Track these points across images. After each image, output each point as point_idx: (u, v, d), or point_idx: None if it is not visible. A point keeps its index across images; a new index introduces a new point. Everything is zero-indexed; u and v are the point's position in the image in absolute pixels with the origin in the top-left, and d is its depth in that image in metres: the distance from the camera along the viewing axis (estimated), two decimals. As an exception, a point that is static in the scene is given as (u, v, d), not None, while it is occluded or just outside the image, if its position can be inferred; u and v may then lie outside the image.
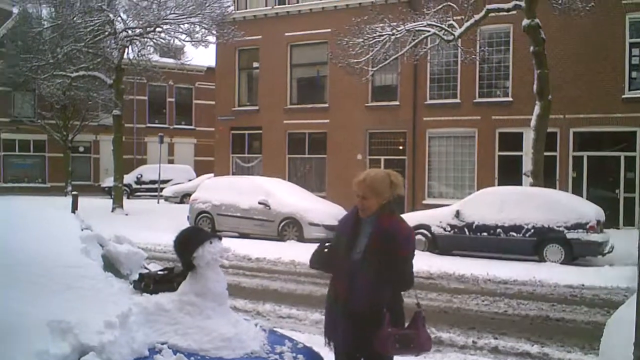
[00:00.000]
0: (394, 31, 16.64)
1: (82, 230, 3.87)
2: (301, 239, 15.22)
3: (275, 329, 3.68)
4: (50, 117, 32.77)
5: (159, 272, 3.65)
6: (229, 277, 10.09)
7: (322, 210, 16.01)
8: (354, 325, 3.38)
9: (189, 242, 3.32)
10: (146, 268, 3.88)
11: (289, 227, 15.65)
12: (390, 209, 3.44)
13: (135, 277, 3.57)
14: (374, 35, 17.01)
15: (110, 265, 3.65)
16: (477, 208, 13.34)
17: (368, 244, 3.36)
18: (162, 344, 2.98)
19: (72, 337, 2.72)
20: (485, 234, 13.05)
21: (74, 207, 19.09)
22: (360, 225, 3.48)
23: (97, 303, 3.06)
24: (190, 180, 29.91)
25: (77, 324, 2.77)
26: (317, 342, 3.89)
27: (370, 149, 21.97)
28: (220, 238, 3.41)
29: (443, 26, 16.36)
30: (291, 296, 9.12)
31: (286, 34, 23.56)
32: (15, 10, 31.32)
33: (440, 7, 16.77)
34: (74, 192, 20.69)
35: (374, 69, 18.20)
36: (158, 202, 26.94)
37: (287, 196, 16.43)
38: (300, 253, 12.96)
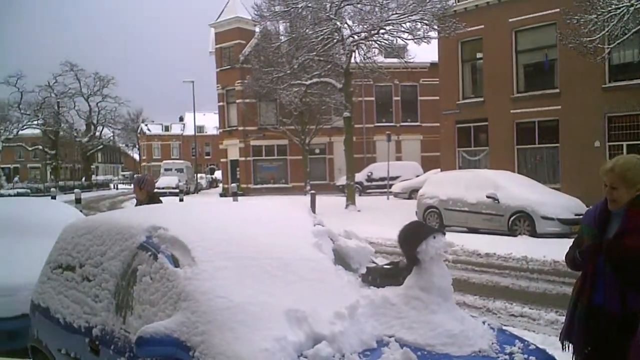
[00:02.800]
0: (633, 1, 14.73)
1: (314, 225, 4.16)
2: (533, 233, 14.35)
3: (504, 328, 3.52)
4: (290, 123, 35.92)
5: (385, 267, 3.75)
6: (457, 272, 10.09)
7: (556, 203, 14.89)
8: (597, 329, 3.09)
9: (413, 236, 3.35)
10: (374, 262, 4.01)
11: (519, 222, 14.88)
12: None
13: (363, 270, 3.72)
14: (609, 9, 15.26)
15: (340, 258, 3.85)
16: None
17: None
18: (389, 336, 3.05)
19: (307, 325, 2.93)
20: None
21: (312, 205, 20.66)
22: (609, 219, 3.17)
23: (328, 295, 3.26)
24: (417, 176, 30.12)
25: (311, 313, 2.98)
26: (553, 343, 3.64)
27: (609, 135, 19.76)
28: (443, 233, 3.38)
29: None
30: (523, 294, 8.65)
31: (510, 20, 22.40)
32: (257, 29, 34.85)
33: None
34: (312, 191, 22.35)
35: (611, 46, 16.37)
36: (387, 199, 27.65)
37: (516, 189, 15.62)
38: (532, 249, 12.29)
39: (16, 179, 65.14)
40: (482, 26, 23.26)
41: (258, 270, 3.30)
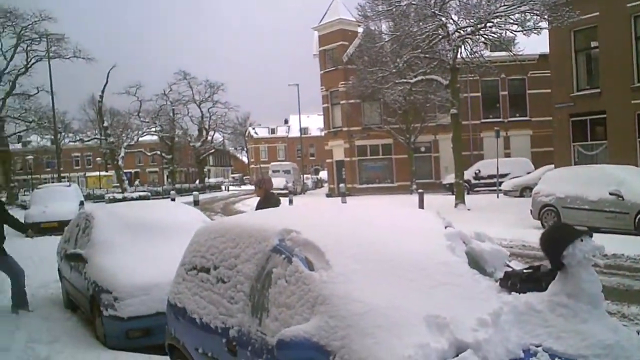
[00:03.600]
0: None
1: (445, 227, 4.03)
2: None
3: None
4: (394, 122, 35.67)
5: (525, 271, 3.55)
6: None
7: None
8: None
9: (559, 239, 3.14)
10: (509, 266, 3.83)
11: (649, 220, 13.79)
12: None
13: (500, 275, 3.54)
14: None
15: (474, 262, 3.70)
16: None
17: None
18: (536, 346, 2.88)
19: (449, 332, 2.82)
20: None
21: (421, 204, 20.35)
22: None
23: (467, 300, 3.13)
24: (528, 173, 28.85)
25: (452, 319, 2.87)
26: None
27: None
28: (591, 235, 3.15)
29: None
30: (661, 299, 7.99)
31: (628, 4, 20.88)
32: (360, 29, 34.92)
33: None
34: (419, 190, 22.02)
35: None
36: (497, 197, 26.71)
37: (644, 185, 14.49)
38: (665, 248, 11.35)
39: (137, 182, 69.63)
40: (597, 13, 21.87)
41: (392, 273, 3.23)
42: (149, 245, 6.68)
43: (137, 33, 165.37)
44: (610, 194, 14.55)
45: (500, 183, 28.05)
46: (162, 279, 5.14)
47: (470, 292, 3.23)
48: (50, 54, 41.81)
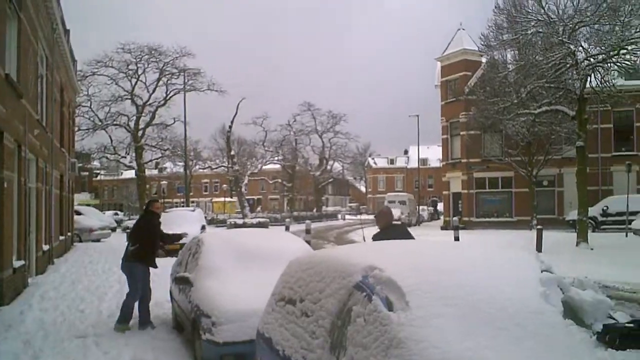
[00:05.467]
0: None
1: (542, 271, 3.78)
2: None
3: None
4: (515, 155, 34.32)
5: (628, 325, 3.23)
6: None
7: None
8: None
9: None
10: (612, 318, 3.50)
11: None
12: None
13: (599, 327, 3.25)
14: None
15: (571, 312, 3.43)
16: None
17: None
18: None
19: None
20: None
21: (539, 242, 19.26)
22: None
23: (557, 354, 2.90)
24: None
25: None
26: None
27: None
28: None
29: None
30: None
31: None
32: (483, 59, 34.23)
33: None
34: (538, 227, 20.89)
35: None
36: (626, 236, 24.67)
37: None
38: None
39: (258, 208, 72.33)
40: None
41: (480, 320, 3.06)
42: (251, 273, 6.88)
43: (268, 67, 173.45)
44: None
45: (630, 221, 25.90)
46: (260, 307, 5.24)
47: (561, 345, 2.99)
48: (187, 87, 45.15)
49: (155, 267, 9.00)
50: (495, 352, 2.83)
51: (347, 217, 72.05)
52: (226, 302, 6.31)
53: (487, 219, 37.87)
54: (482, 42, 25.34)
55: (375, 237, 6.92)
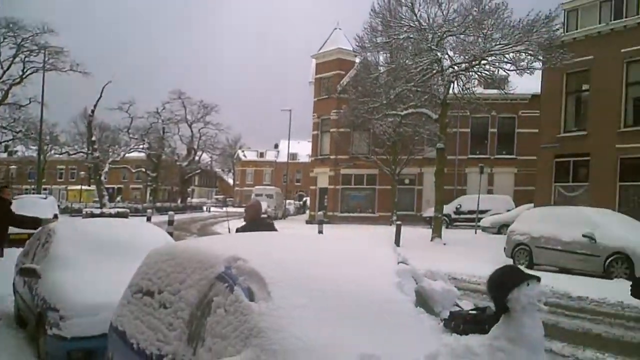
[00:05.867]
0: None
1: (398, 263, 3.95)
2: (632, 277, 13.25)
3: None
4: (381, 153, 35.82)
5: (470, 312, 3.47)
6: (545, 315, 9.38)
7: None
8: None
9: (504, 282, 3.07)
10: (458, 306, 3.74)
11: (617, 264, 13.85)
12: None
13: (446, 315, 3.46)
14: None
15: (423, 301, 3.62)
16: None
17: None
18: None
19: (382, 372, 2.73)
20: None
21: (397, 236, 20.28)
22: None
23: (407, 340, 3.04)
24: (508, 211, 28.95)
25: (387, 359, 2.78)
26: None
27: None
28: (539, 280, 3.09)
29: None
30: (617, 344, 7.91)
31: (622, 50, 21.28)
32: (357, 60, 35.29)
33: None
34: (397, 222, 21.99)
35: None
36: (475, 233, 26.75)
37: (616, 229, 14.63)
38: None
39: (119, 198, 69.00)
40: (591, 57, 22.28)
41: (337, 310, 3.14)
42: (107, 265, 6.49)
43: (137, 50, 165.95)
44: (583, 236, 14.63)
45: (480, 219, 28.10)
46: (115, 300, 4.97)
47: (412, 332, 3.14)
48: (47, 66, 41.90)
49: (1, 255, 8.28)
50: (346, 339, 2.91)
51: (212, 209, 70.99)
52: (76, 295, 5.89)
53: (351, 214, 39.21)
54: (357, 43, 26.07)
55: (240, 230, 6.89)
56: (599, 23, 22.82)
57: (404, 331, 3.11)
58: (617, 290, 11.57)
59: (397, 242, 20.16)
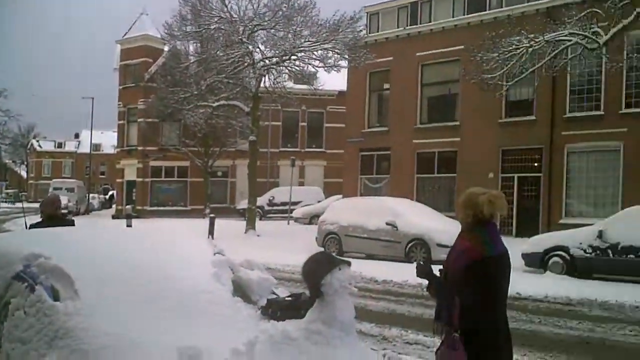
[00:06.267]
0: (532, 43, 15.78)
1: (214, 254, 3.94)
2: (428, 260, 14.75)
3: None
4: (193, 145, 35.13)
5: (287, 298, 3.59)
6: (355, 299, 10.02)
7: (451, 231, 15.18)
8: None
9: (317, 268, 3.22)
10: (274, 293, 3.84)
11: (416, 249, 15.22)
12: (470, 229, 3.18)
13: (264, 303, 3.54)
14: (510, 48, 16.25)
15: (240, 290, 3.65)
16: (623, 228, 12.13)
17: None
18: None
19: (201, 364, 2.71)
20: (632, 256, 11.81)
21: (211, 229, 20.16)
22: None
23: (225, 329, 3.06)
24: (319, 202, 30.30)
25: (206, 350, 2.76)
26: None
27: (502, 167, 20.97)
28: (349, 264, 3.29)
29: (587, 34, 15.23)
30: (418, 321, 8.74)
31: (417, 53, 23.35)
32: (166, 48, 34.06)
33: (583, 14, 15.65)
34: (211, 215, 21.83)
35: (509, 83, 17.40)
36: (288, 223, 27.58)
37: (415, 217, 16.01)
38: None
39: None
40: (391, 58, 24.06)
41: (150, 303, 3.04)
42: None
43: None
44: (386, 224, 15.83)
45: (292, 210, 29.05)
46: None
47: (230, 321, 3.16)
48: None
49: None
50: (163, 331, 2.84)
51: (2, 205, 63.93)
52: None
53: (162, 208, 37.95)
54: (166, 31, 25.20)
55: (35, 227, 6.28)
56: (397, 27, 24.82)
57: (222, 321, 3.13)
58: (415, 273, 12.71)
59: (211, 234, 20.00)
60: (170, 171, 39.13)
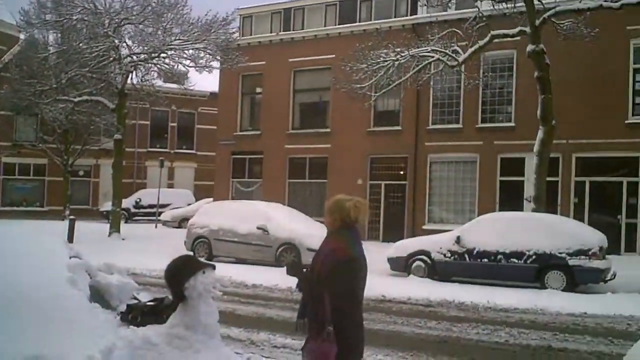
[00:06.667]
0: (398, 57, 16.65)
1: (70, 258, 3.73)
2: (297, 264, 14.94)
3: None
4: (51, 141, 32.79)
5: (148, 303, 3.49)
6: (224, 304, 9.95)
7: (320, 236, 15.55)
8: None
9: (180, 271, 3.17)
10: (136, 298, 3.73)
11: (287, 253, 15.41)
12: (337, 232, 3.45)
13: (124, 308, 3.41)
14: (378, 60, 17.03)
15: (99, 295, 3.49)
16: (478, 234, 13.13)
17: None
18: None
19: (51, 374, 2.56)
20: (485, 260, 12.82)
21: (71, 232, 18.96)
22: None
23: (81, 336, 2.91)
24: (189, 205, 29.70)
25: (57, 358, 2.61)
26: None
27: (371, 174, 21.92)
28: (214, 267, 3.27)
29: (447, 52, 16.38)
30: (287, 325, 8.82)
31: (290, 59, 23.67)
32: (22, 36, 31.52)
33: (444, 32, 16.83)
34: (71, 217, 20.52)
35: (377, 94, 18.18)
36: (156, 227, 26.73)
37: (286, 221, 16.19)
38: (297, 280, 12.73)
39: None
40: (264, 62, 24.19)
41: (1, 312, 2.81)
42: None
43: None
44: (257, 228, 15.86)
45: (160, 213, 28.18)
46: None
47: (85, 327, 3.02)
48: None
49: None
50: (9, 340, 2.66)
51: None
52: None
53: (15, 208, 35.07)
54: (22, 17, 23.39)
55: None
56: (271, 32, 25.04)
57: (77, 327, 2.97)
58: (286, 277, 12.74)
59: (70, 237, 18.75)
60: (25, 169, 36.27)
